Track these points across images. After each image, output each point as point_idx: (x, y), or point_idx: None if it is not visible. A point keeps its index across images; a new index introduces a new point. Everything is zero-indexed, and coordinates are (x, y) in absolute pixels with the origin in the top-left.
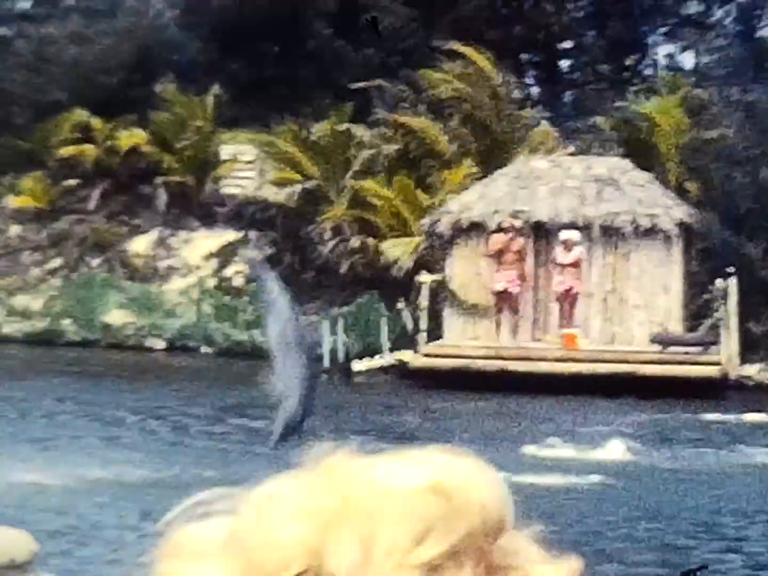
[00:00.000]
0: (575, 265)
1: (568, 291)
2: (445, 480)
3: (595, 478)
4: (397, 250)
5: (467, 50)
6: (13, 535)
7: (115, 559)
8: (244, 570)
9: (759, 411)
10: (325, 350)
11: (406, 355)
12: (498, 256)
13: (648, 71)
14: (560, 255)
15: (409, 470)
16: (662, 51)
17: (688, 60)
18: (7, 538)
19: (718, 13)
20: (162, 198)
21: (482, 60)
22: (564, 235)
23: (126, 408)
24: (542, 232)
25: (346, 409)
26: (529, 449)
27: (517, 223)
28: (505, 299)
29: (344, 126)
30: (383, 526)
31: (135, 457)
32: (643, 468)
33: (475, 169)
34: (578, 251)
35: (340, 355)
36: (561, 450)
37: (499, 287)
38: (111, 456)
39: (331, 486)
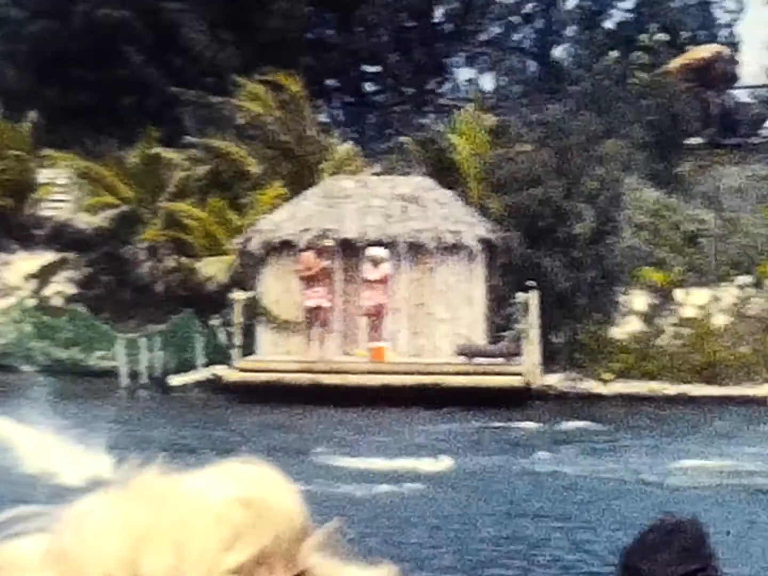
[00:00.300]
0: (382, 281)
1: (375, 306)
2: (250, 491)
3: (401, 486)
4: (211, 269)
5: (276, 75)
6: None
7: None
8: None
9: (560, 420)
10: (142, 367)
11: (221, 370)
12: (307, 273)
13: (450, 93)
14: (368, 271)
15: (216, 484)
16: (463, 74)
17: (488, 82)
18: None
19: (516, 37)
20: None
21: (291, 84)
22: (371, 252)
23: None
24: (350, 250)
25: (160, 423)
26: (335, 460)
27: (326, 242)
28: (315, 315)
29: (155, 150)
30: (194, 536)
31: None
32: (448, 476)
33: (284, 190)
34: (385, 267)
35: (156, 372)
36: (367, 460)
37: (310, 304)
38: None
39: (143, 501)
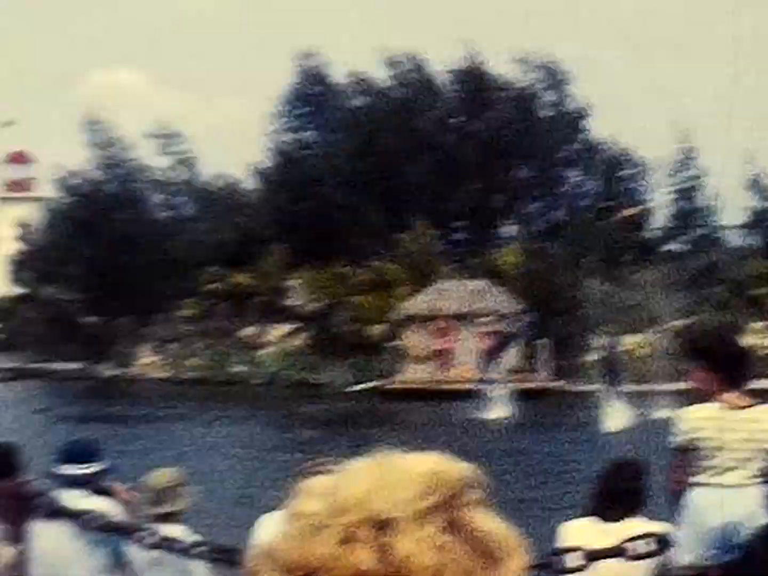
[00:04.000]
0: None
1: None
2: (436, 465)
3: None
4: (375, 331)
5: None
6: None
7: None
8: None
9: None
10: (333, 379)
11: (379, 384)
12: (439, 331)
13: (497, 238)
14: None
15: (417, 459)
16: (506, 230)
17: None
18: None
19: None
20: None
21: (427, 231)
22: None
23: None
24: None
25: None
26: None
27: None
28: (441, 353)
29: (341, 269)
30: (404, 488)
31: None
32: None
33: (410, 290)
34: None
35: (345, 383)
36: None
37: (437, 346)
38: None
39: (378, 466)
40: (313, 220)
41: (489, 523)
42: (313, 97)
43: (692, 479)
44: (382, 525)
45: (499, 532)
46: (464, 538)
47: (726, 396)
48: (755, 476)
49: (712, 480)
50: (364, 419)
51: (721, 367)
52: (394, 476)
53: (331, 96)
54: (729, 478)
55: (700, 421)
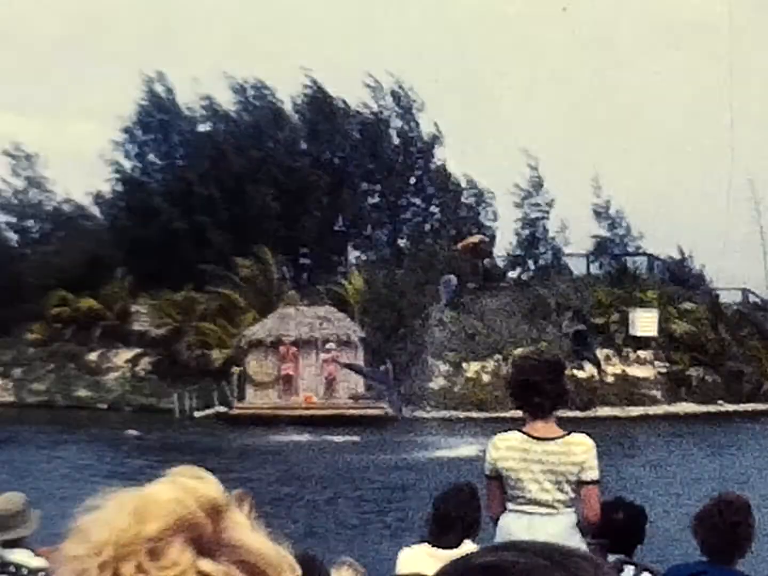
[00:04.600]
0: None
1: (288, 374)
2: (183, 487)
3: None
4: (220, 355)
5: (260, 250)
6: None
7: None
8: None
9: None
10: (185, 405)
11: (224, 408)
12: (282, 356)
13: (345, 265)
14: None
15: (162, 486)
16: (352, 255)
17: (363, 259)
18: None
19: (383, 237)
20: None
21: (268, 255)
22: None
23: None
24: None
25: (189, 434)
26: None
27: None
28: (286, 378)
29: (190, 294)
30: (122, 517)
31: None
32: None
33: (256, 314)
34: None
35: (189, 409)
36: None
37: (284, 371)
38: None
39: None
40: (158, 245)
41: (259, 543)
42: (158, 121)
43: (506, 505)
44: (138, 559)
45: (270, 551)
46: (233, 560)
47: (529, 426)
48: (562, 505)
49: (521, 507)
50: (204, 445)
51: (516, 397)
52: (141, 508)
53: (177, 121)
54: (536, 506)
55: (504, 450)
